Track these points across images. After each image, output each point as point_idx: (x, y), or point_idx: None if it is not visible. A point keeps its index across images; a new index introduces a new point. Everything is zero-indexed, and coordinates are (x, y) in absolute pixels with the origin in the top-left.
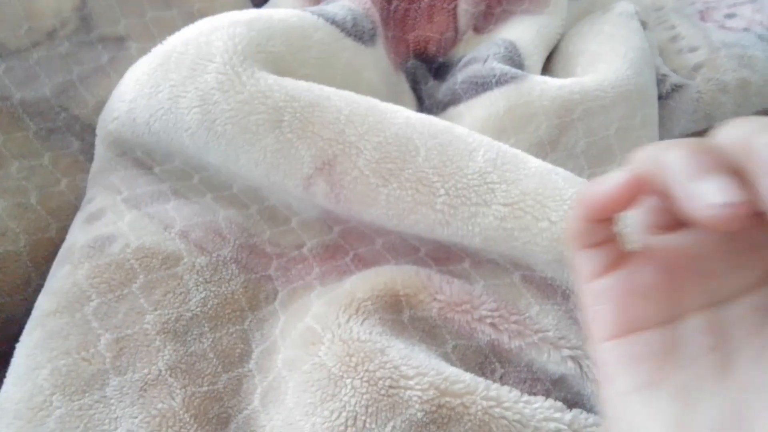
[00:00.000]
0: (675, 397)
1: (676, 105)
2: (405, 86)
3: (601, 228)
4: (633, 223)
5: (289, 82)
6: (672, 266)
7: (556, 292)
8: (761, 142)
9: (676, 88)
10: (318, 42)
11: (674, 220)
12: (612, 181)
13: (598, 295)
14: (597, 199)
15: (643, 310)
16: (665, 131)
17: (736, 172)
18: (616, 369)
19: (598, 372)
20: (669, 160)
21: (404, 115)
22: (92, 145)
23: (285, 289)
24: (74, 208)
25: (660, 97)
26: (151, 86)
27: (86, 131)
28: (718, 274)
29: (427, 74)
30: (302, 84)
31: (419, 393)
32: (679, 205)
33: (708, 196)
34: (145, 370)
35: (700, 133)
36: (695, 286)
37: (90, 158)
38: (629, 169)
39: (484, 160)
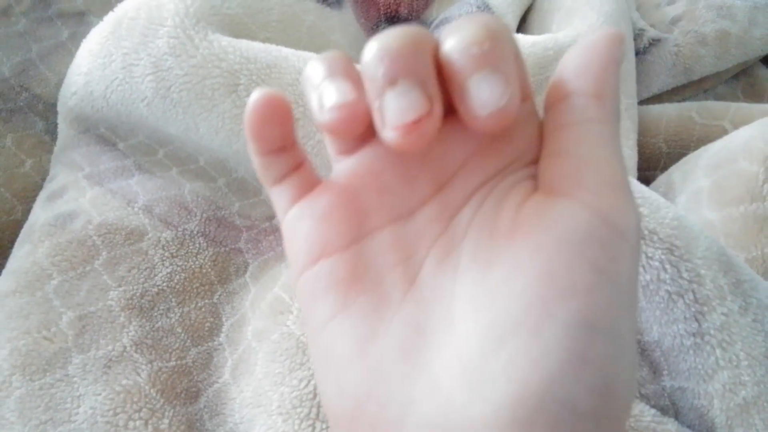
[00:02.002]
0: (363, 320)
1: (654, 60)
2: None
3: (283, 158)
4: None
5: (244, 44)
6: (351, 187)
7: None
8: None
9: (654, 42)
10: (279, 4)
11: (358, 141)
12: (248, 105)
13: (290, 228)
14: (248, 129)
15: (328, 234)
16: (644, 87)
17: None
18: (313, 300)
19: (301, 308)
20: (306, 71)
21: None
22: (57, 125)
23: (256, 261)
24: (40, 189)
25: (637, 53)
26: (104, 56)
27: (50, 110)
28: (396, 189)
29: None
30: (258, 45)
31: None
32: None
33: (325, 100)
34: (109, 347)
35: (680, 88)
36: (376, 203)
37: (56, 138)
38: (260, 92)
39: None
